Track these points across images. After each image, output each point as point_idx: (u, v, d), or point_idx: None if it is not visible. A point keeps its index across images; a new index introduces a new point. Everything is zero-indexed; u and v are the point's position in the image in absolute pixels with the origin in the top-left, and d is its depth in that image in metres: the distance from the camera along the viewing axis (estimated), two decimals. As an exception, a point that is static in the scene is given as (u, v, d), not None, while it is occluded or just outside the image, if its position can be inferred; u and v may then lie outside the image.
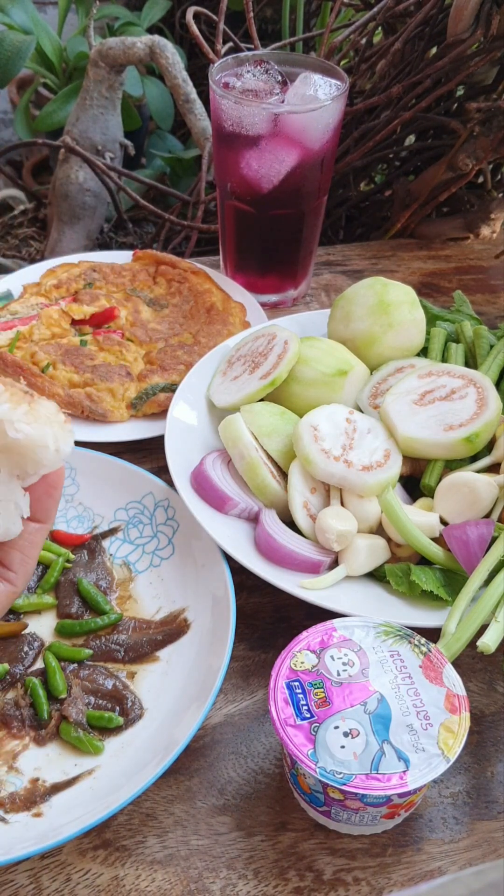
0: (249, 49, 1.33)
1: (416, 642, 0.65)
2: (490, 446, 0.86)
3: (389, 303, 0.95)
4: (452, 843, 0.66)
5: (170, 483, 0.85)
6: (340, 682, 0.62)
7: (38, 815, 0.65)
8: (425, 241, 1.42)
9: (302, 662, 0.63)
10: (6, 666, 0.74)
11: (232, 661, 0.77)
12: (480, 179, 1.43)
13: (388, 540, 0.80)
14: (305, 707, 0.61)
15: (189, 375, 0.96)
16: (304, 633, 0.66)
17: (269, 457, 0.86)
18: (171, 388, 1.01)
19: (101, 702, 0.72)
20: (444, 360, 0.98)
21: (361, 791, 0.57)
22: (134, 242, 1.73)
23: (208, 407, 0.95)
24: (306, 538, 0.80)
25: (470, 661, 0.78)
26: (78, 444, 0.94)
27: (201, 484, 0.83)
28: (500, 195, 1.40)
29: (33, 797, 0.66)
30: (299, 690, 0.62)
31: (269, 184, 1.07)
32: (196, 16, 1.35)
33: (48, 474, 0.50)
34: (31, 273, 1.18)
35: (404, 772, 0.57)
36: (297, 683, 0.62)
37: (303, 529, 0.80)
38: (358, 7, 1.44)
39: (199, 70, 1.94)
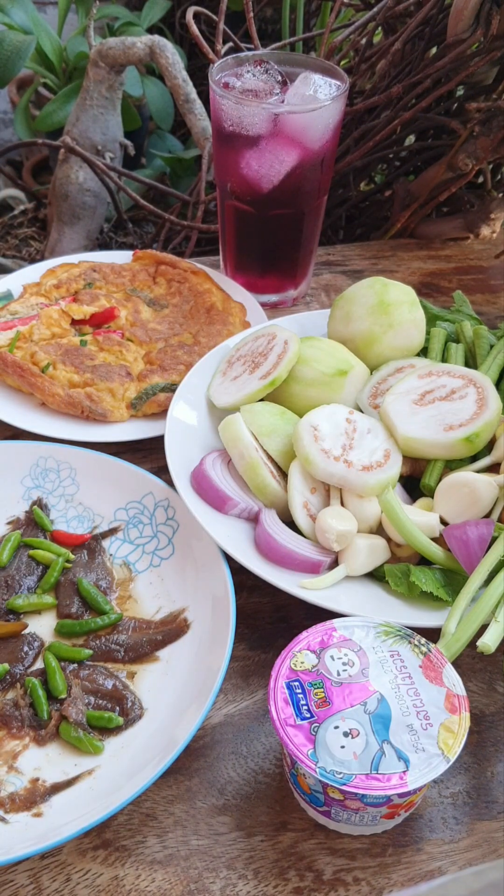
0: (249, 49, 1.33)
1: (416, 642, 0.65)
2: (490, 446, 0.86)
3: (389, 303, 0.95)
4: (452, 843, 0.66)
5: (170, 483, 0.85)
6: (340, 682, 0.62)
7: (38, 815, 0.65)
8: (425, 241, 1.42)
9: (302, 662, 0.63)
10: (6, 666, 0.73)
11: (232, 661, 0.77)
12: (480, 179, 1.43)
13: (388, 540, 0.80)
14: (305, 707, 0.61)
15: (189, 375, 0.96)
16: (304, 633, 0.66)
17: (269, 457, 0.86)
18: (171, 388, 1.01)
19: (101, 702, 0.72)
20: (444, 360, 0.98)
21: (361, 791, 0.57)
22: (134, 242, 1.73)
23: (208, 407, 0.95)
24: (306, 538, 0.80)
25: (470, 661, 0.78)
26: (78, 444, 0.94)
27: (201, 484, 0.83)
28: (500, 195, 1.40)
29: (33, 797, 0.66)
30: (299, 690, 0.62)
31: (269, 184, 1.07)
32: (196, 16, 1.35)
33: None
34: (31, 273, 1.18)
35: (404, 772, 0.57)
36: (297, 683, 0.62)
37: (303, 529, 0.80)
38: (358, 7, 1.44)
39: (199, 70, 1.94)
